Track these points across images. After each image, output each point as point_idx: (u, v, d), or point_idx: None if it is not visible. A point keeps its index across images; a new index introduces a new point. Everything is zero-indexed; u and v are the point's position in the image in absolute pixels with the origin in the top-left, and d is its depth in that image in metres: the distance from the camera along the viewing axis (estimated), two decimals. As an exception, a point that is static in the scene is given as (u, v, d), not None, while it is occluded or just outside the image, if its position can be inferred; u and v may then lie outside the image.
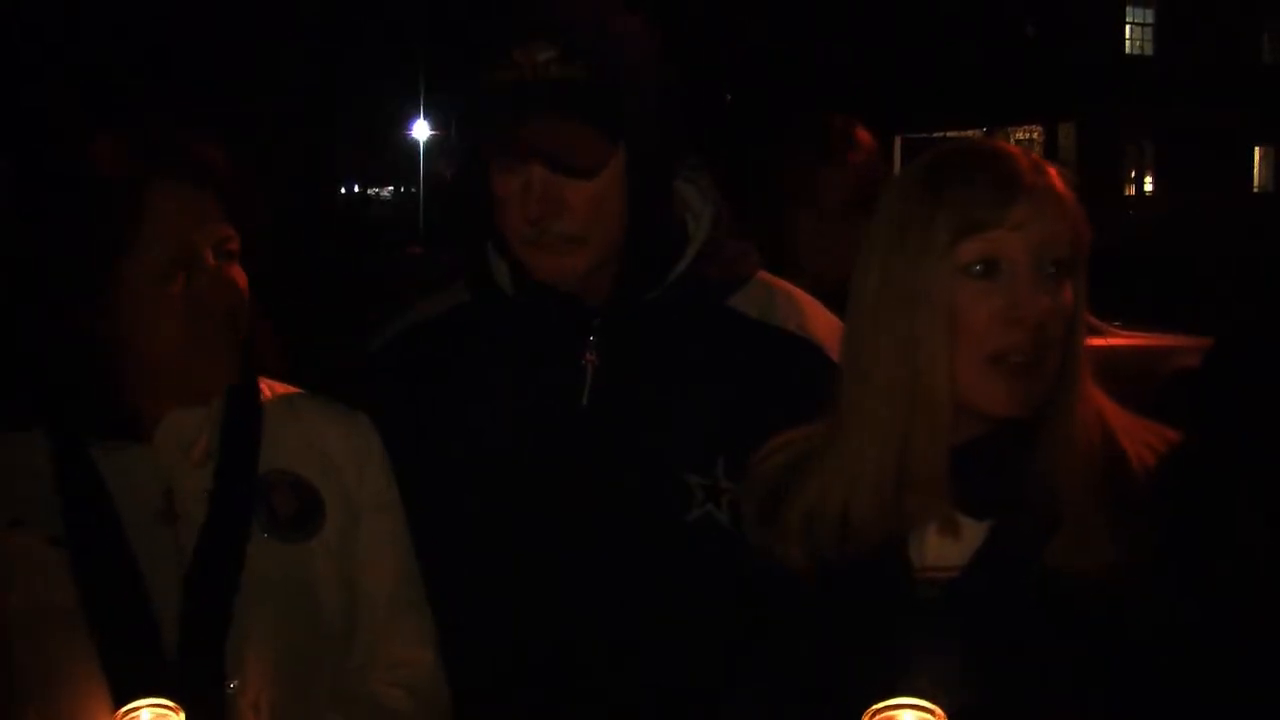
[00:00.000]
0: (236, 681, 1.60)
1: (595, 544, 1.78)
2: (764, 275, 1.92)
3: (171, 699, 1.41)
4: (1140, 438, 1.51)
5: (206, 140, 1.67)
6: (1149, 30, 30.66)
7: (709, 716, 1.67)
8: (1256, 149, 31.47)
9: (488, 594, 1.82)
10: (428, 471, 1.84)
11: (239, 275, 1.66)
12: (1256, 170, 32.01)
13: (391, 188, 49.77)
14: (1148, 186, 31.53)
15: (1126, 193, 30.97)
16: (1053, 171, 1.52)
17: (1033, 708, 1.43)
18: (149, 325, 1.61)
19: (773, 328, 1.84)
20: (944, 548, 1.52)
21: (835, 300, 1.78)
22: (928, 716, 1.28)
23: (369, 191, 48.47)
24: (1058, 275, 1.49)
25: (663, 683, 1.77)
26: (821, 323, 1.86)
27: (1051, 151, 29.59)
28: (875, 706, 1.29)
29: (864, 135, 3.04)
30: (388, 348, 1.98)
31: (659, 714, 1.77)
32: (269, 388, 1.80)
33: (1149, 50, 30.62)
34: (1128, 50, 30.63)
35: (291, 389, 1.83)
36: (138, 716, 1.41)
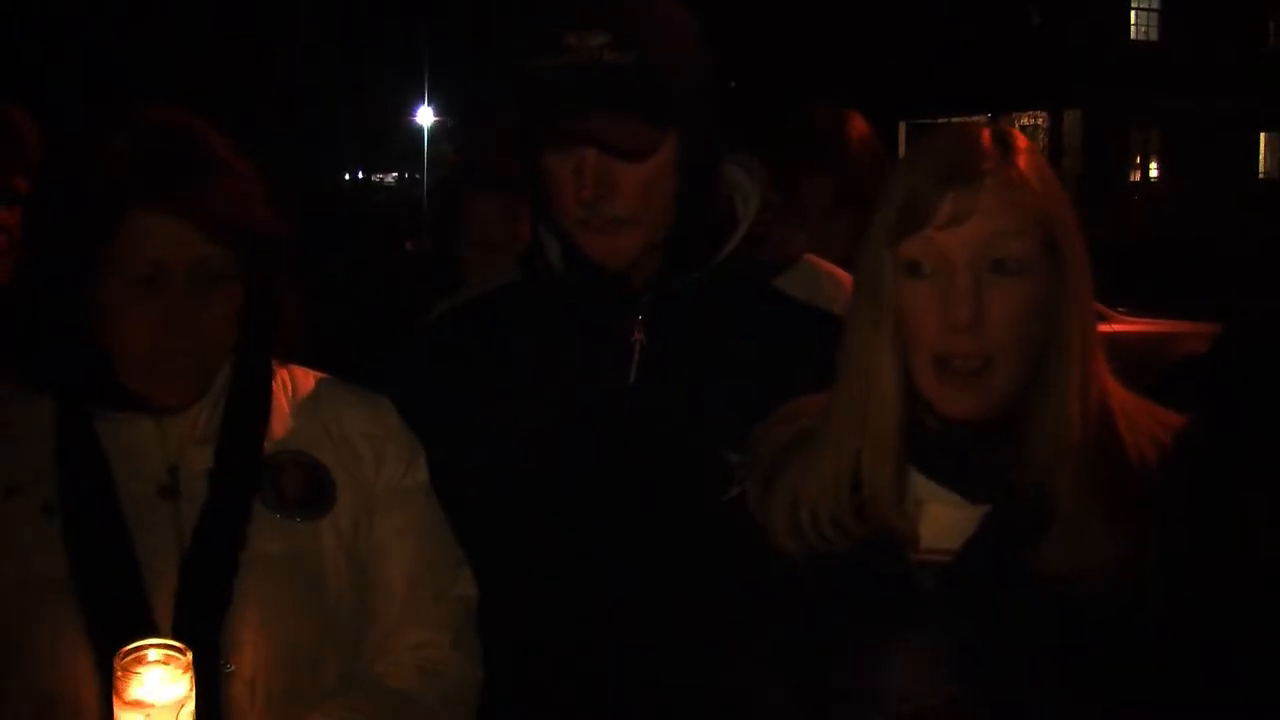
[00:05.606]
0: (233, 663, 1.59)
1: (638, 520, 1.80)
2: (811, 258, 1.95)
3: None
4: (1147, 430, 1.48)
5: (208, 156, 1.65)
6: (1154, 16, 30.54)
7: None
8: (1262, 135, 31.36)
9: (531, 571, 1.84)
10: (474, 447, 1.87)
11: (219, 299, 1.65)
12: (1262, 157, 31.91)
13: (395, 174, 49.79)
14: (1153, 173, 31.44)
15: (1132, 179, 30.88)
16: (1020, 162, 1.46)
17: (1022, 695, 1.42)
18: (117, 326, 1.62)
19: (818, 309, 1.86)
20: (940, 531, 1.51)
21: None
22: None
23: (373, 178, 48.50)
24: (1009, 273, 1.44)
25: (698, 658, 1.77)
26: None
27: (1056, 138, 29.53)
28: None
29: (857, 126, 3.02)
30: (438, 324, 2.02)
31: (696, 686, 1.78)
32: (289, 371, 1.81)
33: (1154, 36, 30.50)
34: (1133, 36, 30.51)
35: (315, 373, 1.84)
36: (144, 655, 1.43)
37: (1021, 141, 1.50)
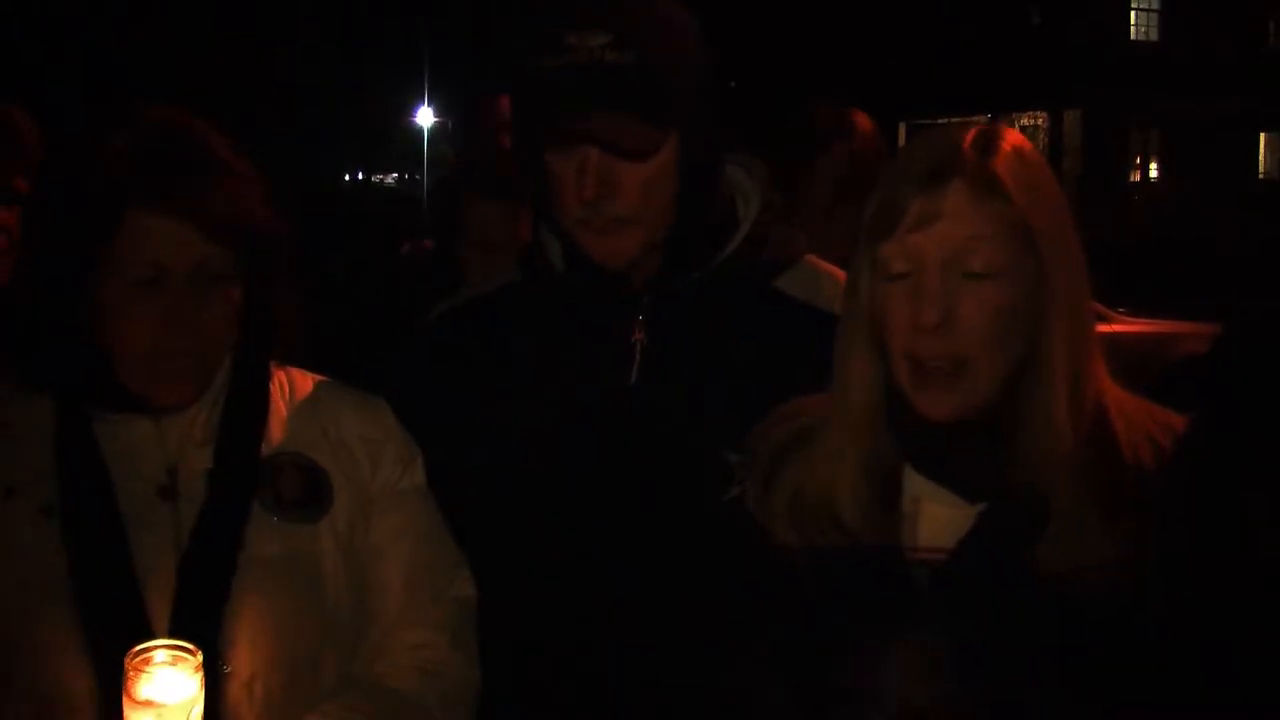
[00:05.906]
0: (230, 664, 1.59)
1: (638, 520, 1.81)
2: (811, 258, 1.96)
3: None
4: (1145, 430, 1.48)
5: (208, 156, 1.65)
6: (1154, 16, 30.54)
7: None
8: (1262, 135, 31.36)
9: (531, 571, 1.85)
10: (474, 447, 1.88)
11: (219, 299, 1.65)
12: (1262, 157, 31.91)
13: (395, 174, 49.83)
14: (1153, 173, 31.43)
15: (1132, 179, 30.87)
16: (998, 164, 1.45)
17: (1022, 695, 1.42)
18: (117, 326, 1.62)
19: (818, 310, 1.87)
20: (938, 530, 1.51)
21: None
22: None
23: (373, 178, 48.53)
24: (981, 276, 1.43)
25: (698, 658, 1.77)
26: None
27: (1056, 138, 29.53)
28: None
29: (858, 124, 3.02)
30: (438, 324, 2.03)
31: (696, 686, 1.77)
32: (287, 374, 1.81)
33: (1154, 36, 30.50)
34: (1133, 36, 30.51)
35: (313, 376, 1.84)
36: (151, 655, 1.44)
37: (1007, 143, 1.48)
